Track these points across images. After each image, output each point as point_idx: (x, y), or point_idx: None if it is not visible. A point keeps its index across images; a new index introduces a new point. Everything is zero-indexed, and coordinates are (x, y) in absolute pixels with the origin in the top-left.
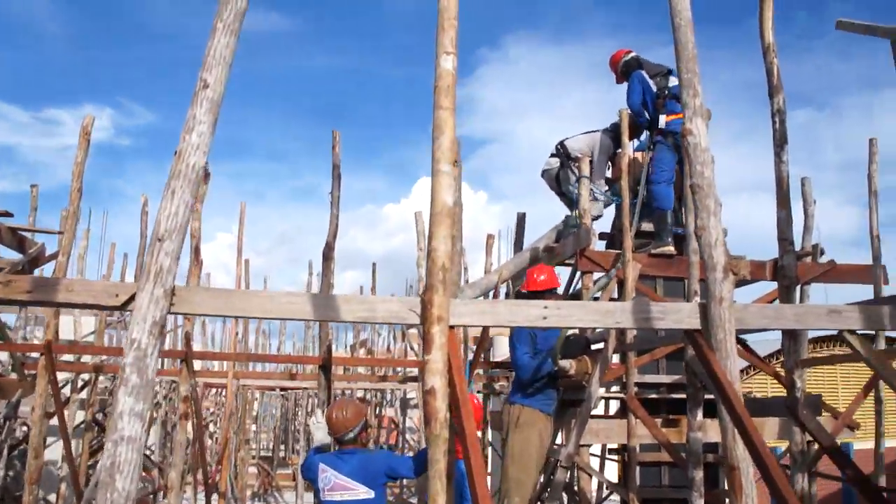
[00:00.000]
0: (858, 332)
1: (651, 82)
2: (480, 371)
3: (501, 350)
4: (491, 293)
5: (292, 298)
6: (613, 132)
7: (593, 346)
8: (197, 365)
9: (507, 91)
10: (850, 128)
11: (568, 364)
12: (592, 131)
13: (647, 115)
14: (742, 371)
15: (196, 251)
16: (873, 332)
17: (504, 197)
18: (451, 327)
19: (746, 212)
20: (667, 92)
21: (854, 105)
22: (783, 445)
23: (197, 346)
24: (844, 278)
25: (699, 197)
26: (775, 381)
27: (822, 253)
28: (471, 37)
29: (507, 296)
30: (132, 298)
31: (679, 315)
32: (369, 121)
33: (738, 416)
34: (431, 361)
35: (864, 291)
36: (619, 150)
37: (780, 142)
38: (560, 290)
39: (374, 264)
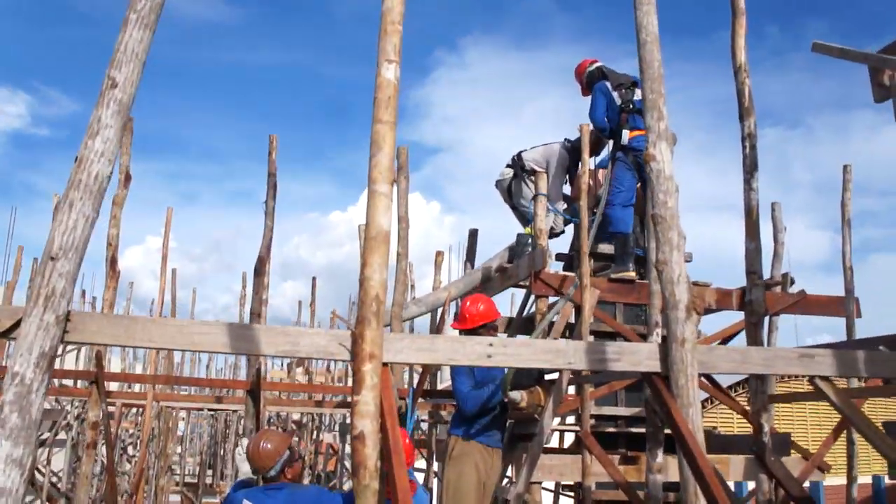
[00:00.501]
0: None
1: (615, 94)
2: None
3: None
4: (439, 311)
5: (204, 328)
6: (573, 146)
7: (547, 376)
8: (114, 386)
9: (464, 97)
10: (823, 148)
11: (519, 395)
12: (550, 143)
13: (609, 129)
14: (705, 401)
15: (112, 262)
16: None
17: (457, 208)
18: (385, 365)
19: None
20: (631, 105)
21: (827, 125)
22: (751, 483)
23: (116, 364)
24: (815, 310)
25: (661, 228)
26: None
27: (793, 283)
28: (427, 37)
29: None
30: (17, 324)
31: (636, 356)
32: (318, 122)
33: (700, 471)
34: (361, 403)
35: (834, 323)
36: (580, 167)
37: (751, 168)
38: (499, 322)
39: (314, 279)
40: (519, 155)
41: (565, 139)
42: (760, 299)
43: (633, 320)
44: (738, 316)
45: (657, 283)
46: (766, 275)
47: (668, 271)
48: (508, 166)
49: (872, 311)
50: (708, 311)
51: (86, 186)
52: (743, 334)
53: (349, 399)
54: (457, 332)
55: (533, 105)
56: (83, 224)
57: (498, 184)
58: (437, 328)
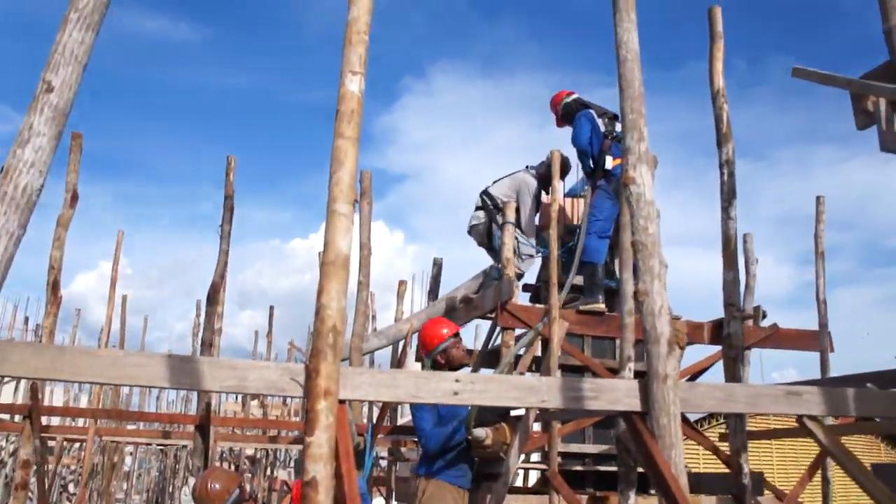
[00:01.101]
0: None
1: (599, 121)
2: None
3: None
4: (401, 344)
5: (142, 361)
6: (539, 173)
7: (513, 412)
8: (56, 420)
9: (430, 124)
10: (787, 181)
11: (483, 433)
12: (515, 173)
13: (593, 156)
14: None
15: (54, 286)
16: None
17: (422, 238)
18: (342, 402)
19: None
20: (614, 134)
21: (792, 158)
22: None
23: (59, 396)
24: (787, 344)
25: (642, 256)
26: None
27: (765, 316)
28: (395, 63)
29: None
30: None
31: (615, 394)
32: (281, 147)
33: None
34: (314, 445)
35: (800, 357)
36: (549, 195)
37: (728, 196)
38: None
39: (271, 308)
40: (487, 193)
41: (527, 166)
42: (739, 332)
43: (601, 354)
44: (707, 350)
45: (630, 316)
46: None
47: (649, 302)
48: (479, 208)
49: (839, 345)
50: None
51: (11, 199)
52: (714, 369)
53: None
54: (419, 366)
55: (499, 133)
56: (6, 241)
57: (473, 229)
58: (398, 362)
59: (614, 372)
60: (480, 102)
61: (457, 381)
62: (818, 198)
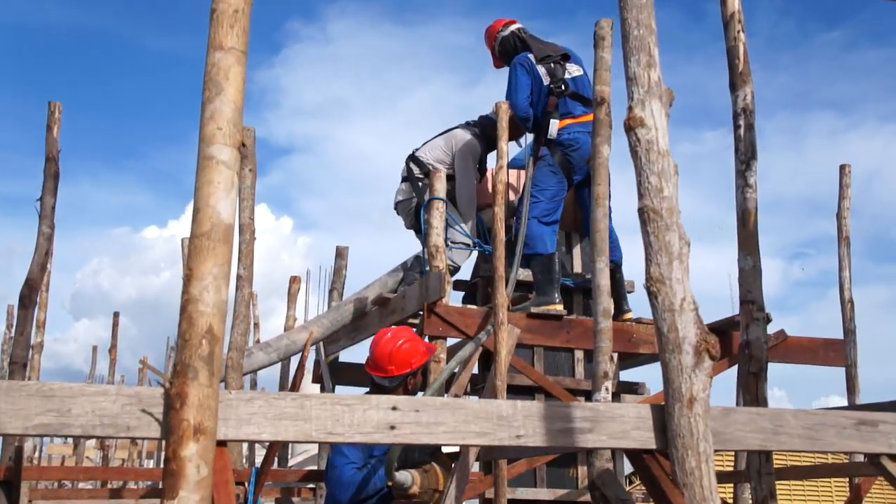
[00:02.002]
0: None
1: (541, 69)
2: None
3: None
4: (296, 359)
5: None
6: (483, 131)
7: (446, 449)
8: None
9: (325, 82)
10: (774, 155)
11: (409, 477)
12: (451, 130)
13: (533, 120)
14: None
15: None
16: None
17: (316, 226)
18: (222, 444)
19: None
20: (562, 86)
21: (778, 128)
22: None
23: None
24: (798, 357)
25: (654, 229)
26: None
27: (769, 320)
28: (279, 2)
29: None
30: None
31: (619, 426)
32: (131, 110)
33: None
34: None
35: (793, 372)
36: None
37: (747, 156)
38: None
39: (115, 315)
40: (415, 158)
41: (468, 122)
42: (762, 340)
43: (555, 370)
44: None
45: (606, 318)
46: (733, 310)
47: (666, 293)
48: (406, 179)
49: None
50: (655, 357)
51: None
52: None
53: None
54: (317, 389)
55: (416, 93)
56: None
57: (399, 206)
58: (291, 385)
59: (573, 393)
60: (392, 54)
61: (394, 408)
62: (842, 167)
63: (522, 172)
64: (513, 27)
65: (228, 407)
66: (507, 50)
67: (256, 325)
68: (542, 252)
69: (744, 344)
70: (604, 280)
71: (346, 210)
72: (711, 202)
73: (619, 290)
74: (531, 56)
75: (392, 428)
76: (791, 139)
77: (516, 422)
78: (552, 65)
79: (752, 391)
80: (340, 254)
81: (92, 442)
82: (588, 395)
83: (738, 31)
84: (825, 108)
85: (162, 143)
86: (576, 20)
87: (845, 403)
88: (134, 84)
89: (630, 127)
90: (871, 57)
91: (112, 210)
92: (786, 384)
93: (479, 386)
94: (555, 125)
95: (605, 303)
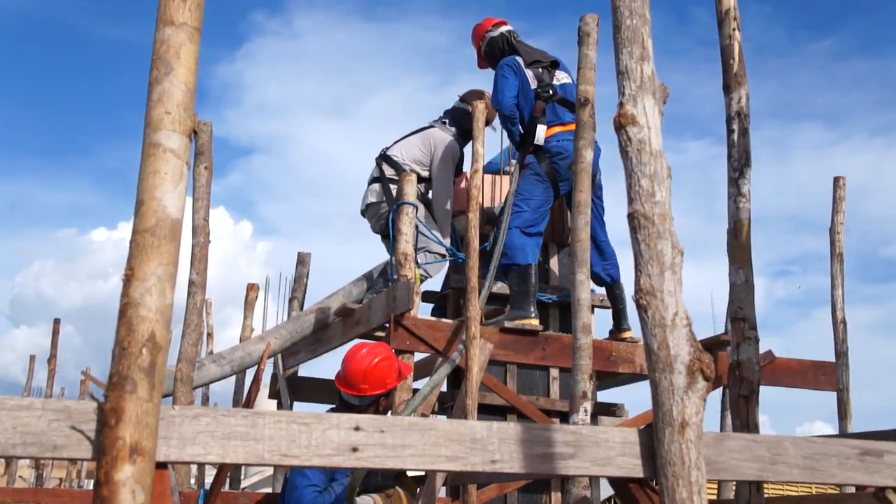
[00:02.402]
0: None
1: (529, 73)
2: None
3: None
4: (250, 372)
5: None
6: (461, 131)
7: (411, 472)
8: None
9: (289, 79)
10: (757, 168)
11: (371, 502)
12: (426, 129)
13: (521, 122)
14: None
15: None
16: None
17: (276, 231)
18: (162, 467)
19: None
20: (550, 91)
21: (764, 139)
22: None
23: None
24: (789, 380)
25: (645, 236)
26: None
27: (756, 341)
28: None
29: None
30: None
31: (605, 452)
32: (76, 102)
33: None
34: None
35: (801, 397)
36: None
37: (740, 163)
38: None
39: (55, 322)
40: (387, 157)
41: (442, 119)
42: (754, 360)
43: (529, 388)
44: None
45: (586, 335)
46: (718, 329)
47: (657, 307)
48: (377, 179)
49: None
50: (634, 377)
51: None
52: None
53: None
54: (274, 405)
55: (386, 93)
56: None
57: (369, 209)
58: (246, 400)
59: (548, 413)
60: (360, 52)
61: (357, 428)
62: (836, 179)
63: (497, 177)
64: (503, 28)
65: (171, 424)
66: (493, 51)
67: (210, 335)
68: (521, 263)
69: (734, 364)
70: (584, 294)
71: (309, 215)
72: (693, 215)
73: (618, 306)
74: (519, 59)
75: (354, 450)
76: (777, 151)
77: (491, 445)
78: (540, 70)
79: (742, 416)
80: (302, 260)
81: (26, 461)
82: (564, 417)
83: (734, 30)
84: (813, 120)
85: (113, 140)
86: (557, 21)
87: (831, 429)
88: (84, 76)
89: (620, 125)
90: (861, 68)
91: (57, 210)
92: (768, 408)
93: (448, 405)
94: (542, 131)
95: (585, 318)
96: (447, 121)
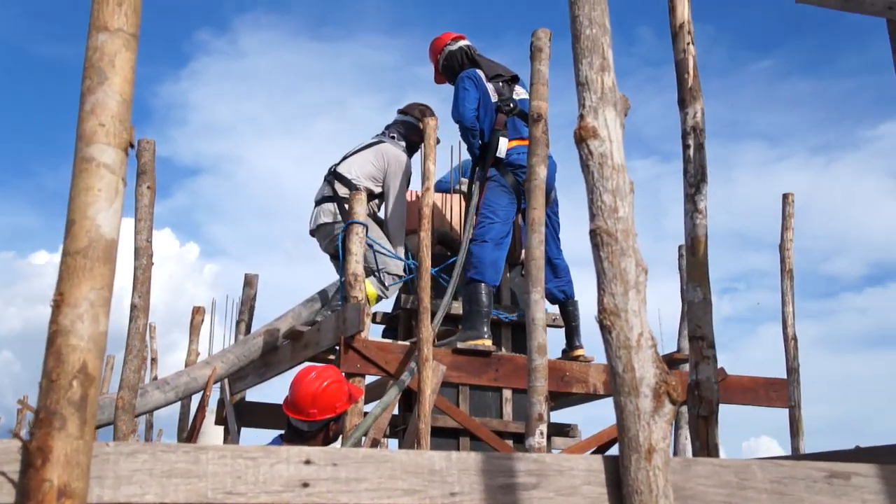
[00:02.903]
0: None
1: (490, 87)
2: None
3: None
4: (196, 398)
5: None
6: (406, 141)
7: None
8: None
9: (236, 98)
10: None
11: None
12: (376, 143)
13: (480, 135)
14: None
15: None
16: None
17: (224, 253)
18: None
19: None
20: (511, 105)
21: (711, 159)
22: None
23: None
24: (738, 397)
25: (608, 253)
26: None
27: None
28: (186, 10)
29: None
30: None
31: (569, 481)
32: (13, 120)
33: None
34: None
35: (745, 411)
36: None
37: (696, 178)
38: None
39: None
40: (336, 174)
41: (389, 133)
42: (713, 380)
43: (482, 410)
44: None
45: (541, 355)
46: (670, 346)
47: (622, 327)
48: (329, 198)
49: None
50: (587, 397)
51: None
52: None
53: None
54: (220, 434)
55: (332, 113)
56: None
57: (321, 229)
58: (191, 428)
59: (501, 435)
60: (308, 71)
61: (308, 462)
62: (785, 196)
63: (447, 196)
64: (461, 43)
65: (105, 463)
66: (452, 65)
67: (154, 360)
68: (490, 283)
69: (692, 384)
70: (538, 313)
71: (256, 236)
72: (640, 234)
73: (571, 324)
74: (480, 73)
75: (305, 486)
76: (720, 169)
77: (450, 477)
78: (501, 84)
79: (702, 436)
80: (249, 282)
81: None
82: (518, 438)
83: (688, 44)
84: (755, 138)
85: (52, 160)
86: (504, 40)
87: (777, 444)
88: (18, 93)
89: (581, 138)
90: (801, 87)
91: None
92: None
93: (399, 428)
94: (504, 143)
95: (540, 338)
96: (395, 135)
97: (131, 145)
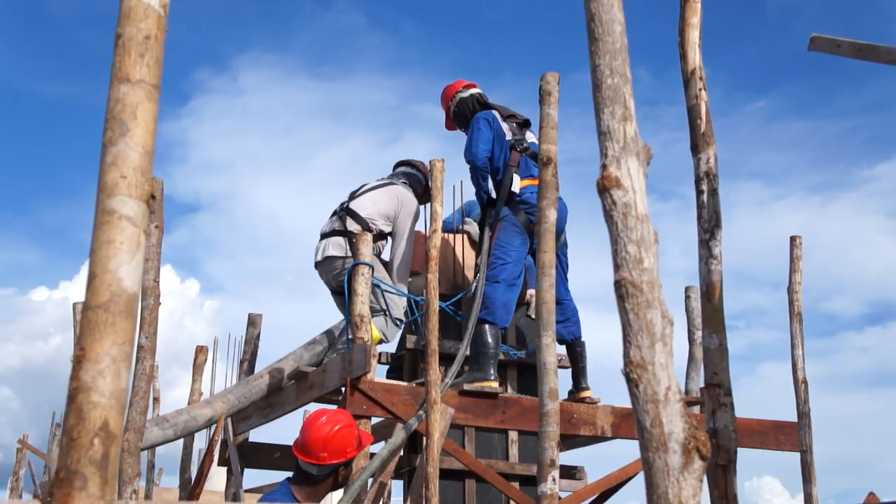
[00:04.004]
0: None
1: (504, 126)
2: None
3: None
4: (198, 437)
5: None
6: (420, 189)
7: None
8: None
9: (236, 136)
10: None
11: None
12: (388, 184)
13: (494, 172)
14: None
15: None
16: None
17: (223, 289)
18: None
19: None
20: (524, 145)
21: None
22: None
23: None
24: (747, 440)
25: (633, 305)
26: None
27: (732, 406)
28: (187, 50)
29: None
30: None
31: None
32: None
33: None
34: None
35: (748, 452)
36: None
37: (711, 224)
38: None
39: None
40: (349, 210)
41: (403, 180)
42: (730, 429)
43: (488, 452)
44: (622, 451)
45: (553, 400)
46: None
47: (649, 381)
48: (337, 232)
49: None
50: (593, 438)
51: None
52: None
53: None
54: (223, 474)
55: (333, 150)
56: None
57: (326, 262)
58: (199, 476)
59: (507, 478)
60: (308, 109)
61: None
62: (793, 239)
63: (450, 237)
64: (473, 90)
65: None
66: (463, 111)
67: (157, 399)
68: (500, 325)
69: (710, 432)
70: (550, 357)
71: (256, 272)
72: None
73: (578, 365)
74: (496, 113)
75: None
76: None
77: None
78: (514, 125)
79: (720, 487)
80: (253, 322)
81: None
82: (524, 480)
83: (700, 89)
84: (753, 178)
85: (52, 197)
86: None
87: (779, 484)
88: (18, 131)
89: (605, 188)
90: (797, 128)
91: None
92: None
93: (404, 469)
94: (517, 181)
95: (552, 382)
96: (405, 181)
97: (152, 196)
